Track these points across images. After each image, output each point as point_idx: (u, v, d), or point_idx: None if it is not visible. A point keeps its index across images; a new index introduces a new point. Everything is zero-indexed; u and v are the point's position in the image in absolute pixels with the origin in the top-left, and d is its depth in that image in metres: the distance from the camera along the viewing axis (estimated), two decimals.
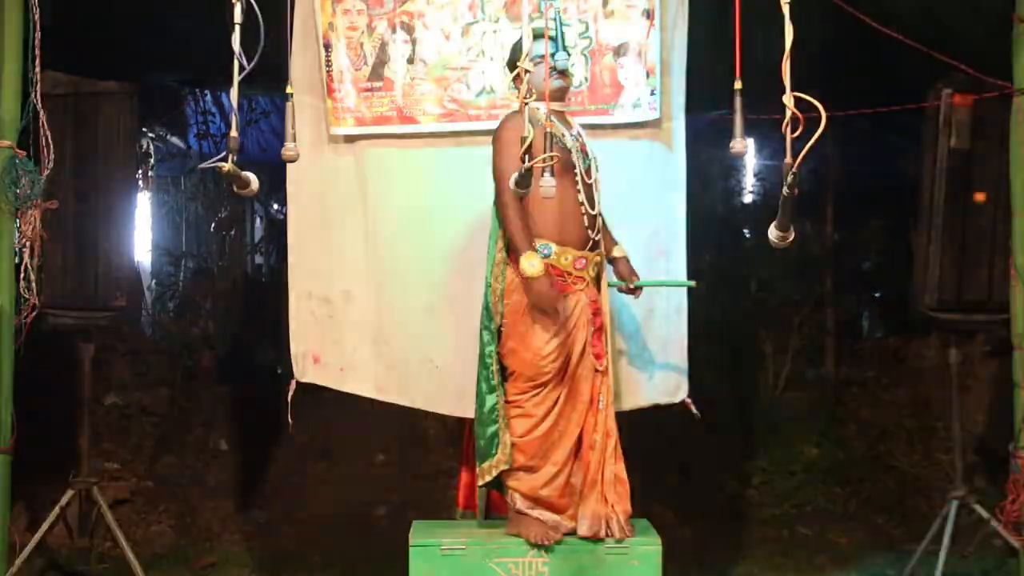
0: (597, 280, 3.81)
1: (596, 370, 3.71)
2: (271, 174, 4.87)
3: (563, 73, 3.70)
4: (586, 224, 3.71)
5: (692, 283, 4.08)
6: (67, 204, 4.35)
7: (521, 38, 3.61)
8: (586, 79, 4.17)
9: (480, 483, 3.77)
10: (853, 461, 6.31)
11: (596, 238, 3.76)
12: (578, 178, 3.68)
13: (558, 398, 3.66)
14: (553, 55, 3.60)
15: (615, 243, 3.96)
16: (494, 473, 3.69)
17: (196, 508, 5.99)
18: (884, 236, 7.27)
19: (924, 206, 4.54)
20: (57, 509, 4.44)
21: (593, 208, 3.73)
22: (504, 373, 3.73)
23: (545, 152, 3.13)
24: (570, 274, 3.68)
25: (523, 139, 3.04)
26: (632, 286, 3.92)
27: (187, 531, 5.79)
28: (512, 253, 3.66)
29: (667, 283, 4.11)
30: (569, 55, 3.87)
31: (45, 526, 4.42)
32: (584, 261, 3.71)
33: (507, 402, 3.69)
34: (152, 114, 6.29)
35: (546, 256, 3.65)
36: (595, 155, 3.82)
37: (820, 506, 6.09)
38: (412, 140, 4.27)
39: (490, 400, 3.72)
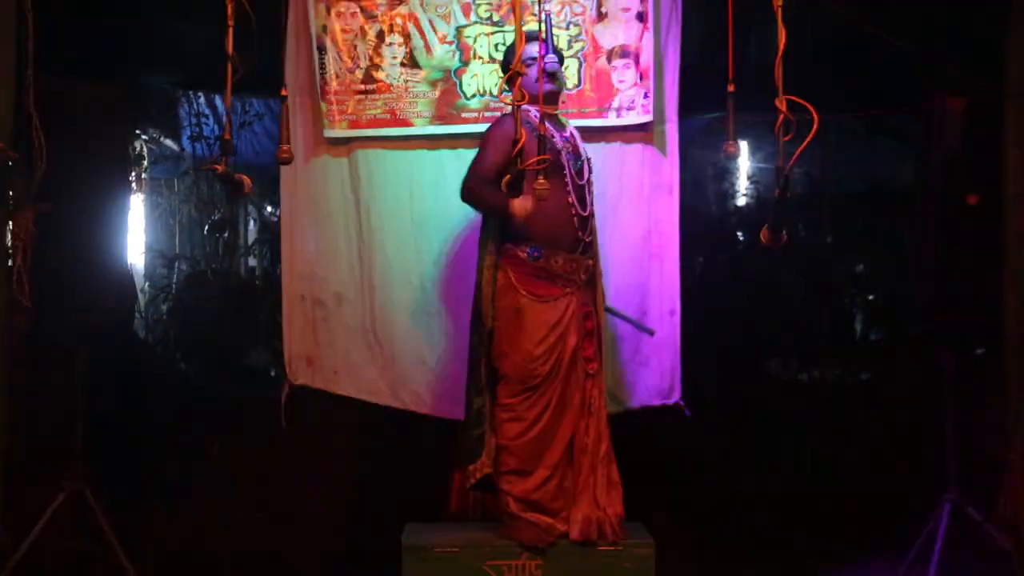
0: (589, 283, 3.81)
1: (588, 374, 3.71)
2: (265, 176, 4.87)
3: (552, 76, 3.70)
4: (576, 225, 3.70)
5: (651, 331, 4.09)
6: (60, 206, 4.34)
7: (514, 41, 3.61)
8: (580, 82, 4.18)
9: (467, 486, 3.78)
10: (846, 463, 6.31)
11: (588, 240, 3.76)
12: (568, 180, 3.68)
13: (550, 401, 3.66)
14: (542, 57, 3.61)
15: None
16: (477, 476, 3.72)
17: (190, 511, 5.97)
18: (878, 239, 7.27)
19: (917, 209, 4.55)
20: (49, 512, 4.43)
21: (584, 209, 3.72)
22: (495, 376, 3.73)
23: (537, 155, 3.14)
24: (560, 277, 3.68)
25: (515, 142, 3.05)
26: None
27: (180, 534, 5.77)
28: (509, 215, 3.57)
29: (628, 319, 4.11)
30: (561, 59, 3.88)
31: (37, 529, 4.40)
32: (575, 264, 3.70)
33: (499, 405, 3.70)
34: (145, 116, 6.28)
35: (536, 259, 3.65)
36: (588, 157, 3.82)
37: (813, 508, 6.09)
38: (406, 142, 4.28)
39: (476, 402, 3.74)
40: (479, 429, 3.74)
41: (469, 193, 3.66)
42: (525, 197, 3.47)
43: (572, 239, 3.71)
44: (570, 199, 3.69)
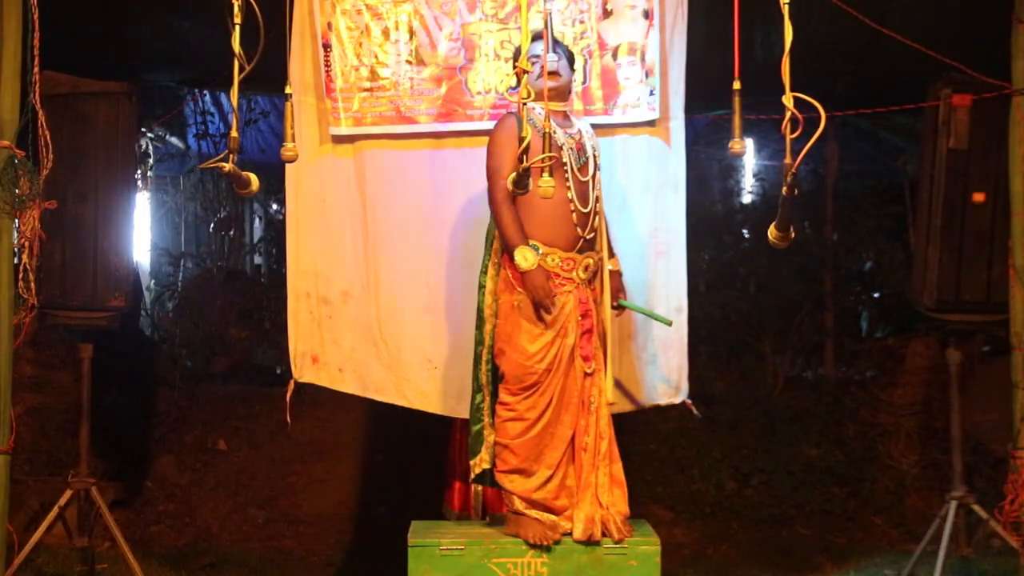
0: (590, 281, 3.80)
1: (585, 372, 3.71)
2: (270, 174, 4.87)
3: (552, 73, 3.67)
4: (576, 222, 3.69)
5: (669, 321, 4.06)
6: (66, 204, 4.35)
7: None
8: (585, 79, 4.17)
9: (471, 479, 3.83)
10: (852, 461, 6.31)
11: (588, 237, 3.74)
12: (568, 177, 3.68)
13: (550, 401, 3.65)
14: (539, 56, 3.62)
15: (612, 255, 3.95)
16: (476, 472, 3.78)
17: (195, 508, 5.99)
18: (883, 236, 7.27)
19: (923, 206, 4.54)
20: (56, 509, 4.44)
21: (585, 206, 3.71)
22: (497, 374, 3.74)
23: (542, 152, 3.14)
24: (558, 275, 3.68)
25: (521, 139, 3.05)
26: (615, 304, 3.92)
27: (186, 531, 5.79)
28: (505, 250, 3.67)
29: (647, 312, 4.09)
30: (571, 58, 3.87)
31: (44, 526, 4.41)
32: (572, 262, 3.70)
33: (500, 404, 3.71)
34: (151, 114, 6.29)
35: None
36: (595, 154, 3.81)
37: (818, 506, 6.09)
38: (411, 140, 4.27)
39: (476, 398, 3.80)
40: (478, 425, 3.79)
41: (492, 204, 3.68)
42: (528, 250, 3.57)
43: (572, 237, 3.70)
44: (570, 195, 3.68)
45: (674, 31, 4.17)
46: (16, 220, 3.95)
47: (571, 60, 3.89)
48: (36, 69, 3.93)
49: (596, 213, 3.78)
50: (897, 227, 7.39)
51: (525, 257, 3.57)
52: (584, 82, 4.17)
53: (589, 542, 3.61)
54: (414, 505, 5.91)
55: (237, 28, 2.80)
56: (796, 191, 2.80)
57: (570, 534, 3.65)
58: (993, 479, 4.91)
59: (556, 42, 3.74)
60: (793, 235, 2.93)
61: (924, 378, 6.70)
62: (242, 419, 6.62)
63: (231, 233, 7.85)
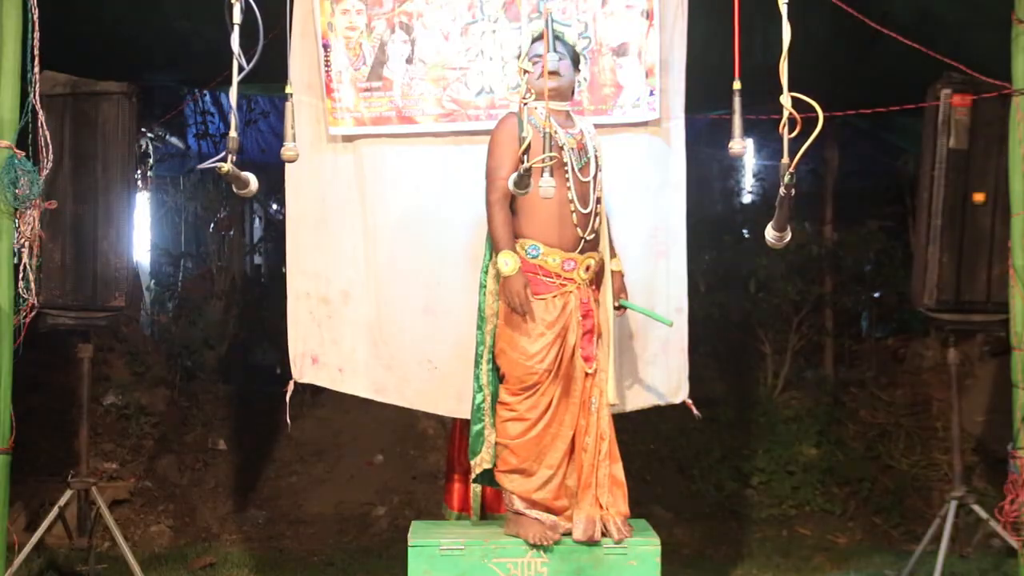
0: (592, 281, 3.79)
1: (586, 372, 3.70)
2: (270, 174, 4.86)
3: (553, 73, 3.67)
4: (576, 223, 3.69)
5: (670, 322, 4.06)
6: (66, 204, 4.36)
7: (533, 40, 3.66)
8: (585, 79, 4.17)
9: (472, 478, 3.84)
10: (852, 461, 6.32)
11: (588, 238, 3.74)
12: (569, 176, 3.68)
13: (551, 402, 3.65)
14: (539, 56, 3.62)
15: (614, 255, 3.95)
16: (477, 471, 3.77)
17: (195, 508, 5.99)
18: (883, 236, 7.28)
19: (923, 206, 4.54)
20: (56, 509, 4.44)
21: (585, 207, 3.70)
22: (498, 374, 3.75)
23: (543, 152, 3.14)
24: (559, 275, 3.68)
25: (522, 139, 3.05)
26: (617, 304, 3.91)
27: (186, 531, 5.79)
28: (492, 249, 3.68)
29: (648, 313, 4.08)
30: (575, 58, 3.88)
31: (44, 526, 4.42)
32: (573, 263, 3.69)
33: (500, 403, 3.71)
34: (151, 114, 6.30)
35: (534, 257, 3.65)
36: (596, 154, 3.81)
37: (819, 506, 6.10)
38: (411, 140, 4.27)
39: (477, 398, 3.79)
40: (478, 425, 3.78)
41: (487, 203, 3.69)
42: (512, 255, 3.57)
43: (572, 237, 3.70)
44: (570, 196, 3.68)
45: (674, 31, 4.17)
46: (16, 220, 3.96)
47: (575, 60, 3.88)
48: (36, 69, 3.93)
49: (597, 214, 3.77)
50: (897, 227, 7.40)
51: (507, 262, 3.58)
52: (585, 82, 4.17)
53: (589, 542, 3.61)
54: (414, 505, 5.95)
55: (236, 28, 2.80)
56: (793, 191, 2.80)
57: (570, 534, 3.65)
58: (993, 479, 4.91)
59: (560, 42, 3.73)
60: (790, 236, 2.93)
61: (924, 378, 6.71)
62: (242, 419, 6.63)
63: (231, 233, 7.85)
